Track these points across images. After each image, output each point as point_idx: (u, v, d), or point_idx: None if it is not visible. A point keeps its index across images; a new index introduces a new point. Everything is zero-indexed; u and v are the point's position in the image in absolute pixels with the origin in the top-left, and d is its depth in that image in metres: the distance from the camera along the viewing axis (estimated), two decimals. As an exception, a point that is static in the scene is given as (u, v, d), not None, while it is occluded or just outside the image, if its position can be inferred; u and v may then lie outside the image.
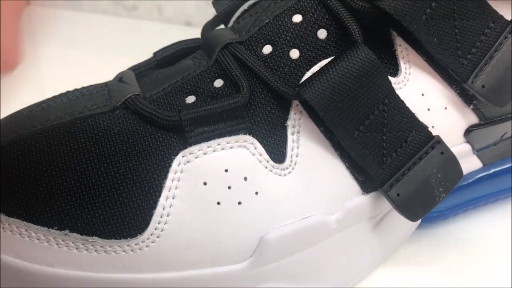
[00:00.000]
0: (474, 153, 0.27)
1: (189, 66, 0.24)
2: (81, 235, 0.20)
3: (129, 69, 0.25)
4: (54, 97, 0.24)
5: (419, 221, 0.27)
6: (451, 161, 0.23)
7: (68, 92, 0.24)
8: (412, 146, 0.23)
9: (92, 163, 0.21)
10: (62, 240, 0.20)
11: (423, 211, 0.23)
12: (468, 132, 0.25)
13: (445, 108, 0.24)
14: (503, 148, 0.28)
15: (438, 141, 0.23)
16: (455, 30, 0.22)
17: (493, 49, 0.23)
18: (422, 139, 0.23)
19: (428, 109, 0.23)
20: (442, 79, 0.23)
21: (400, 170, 0.22)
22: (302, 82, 0.21)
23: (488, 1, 0.23)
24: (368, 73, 0.21)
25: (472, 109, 0.24)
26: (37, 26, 0.49)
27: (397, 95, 0.22)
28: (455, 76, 0.23)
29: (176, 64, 0.24)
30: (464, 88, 0.23)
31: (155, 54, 0.26)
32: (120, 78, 0.24)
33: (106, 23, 0.33)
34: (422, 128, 0.23)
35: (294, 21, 0.23)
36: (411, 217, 0.23)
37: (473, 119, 0.25)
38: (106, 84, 0.24)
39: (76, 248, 0.20)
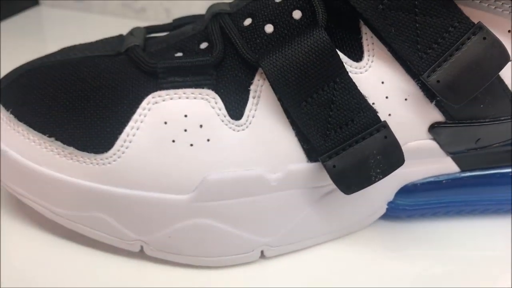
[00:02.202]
0: (447, 155, 0.27)
1: (187, 30, 0.28)
2: (62, 143, 0.25)
3: (147, 27, 0.30)
4: (85, 43, 0.29)
5: (381, 210, 0.28)
6: (393, 146, 0.24)
7: (96, 41, 0.29)
8: (357, 126, 0.24)
9: (85, 91, 0.26)
10: (49, 145, 0.25)
11: (356, 187, 0.24)
12: (432, 128, 0.26)
13: (405, 99, 0.25)
14: (485, 157, 0.28)
15: (384, 125, 0.24)
16: (416, 24, 0.23)
17: (454, 48, 0.23)
18: (368, 121, 0.24)
19: (386, 97, 0.25)
20: (404, 71, 0.25)
21: (341, 145, 0.24)
22: (262, 52, 0.24)
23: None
24: (318, 52, 0.23)
25: (436, 105, 0.25)
26: (47, 26, 0.53)
27: (349, 77, 0.24)
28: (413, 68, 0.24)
29: (181, 28, 0.29)
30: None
31: (174, 20, 0.30)
32: (131, 32, 0.28)
33: (115, 25, 0.37)
34: (370, 111, 0.24)
35: (276, 1, 0.26)
36: (344, 189, 0.24)
37: (438, 116, 0.26)
38: (121, 35, 0.29)
39: (58, 154, 0.25)
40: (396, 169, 0.25)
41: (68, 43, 0.30)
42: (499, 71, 0.23)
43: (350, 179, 0.24)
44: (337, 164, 0.24)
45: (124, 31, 0.30)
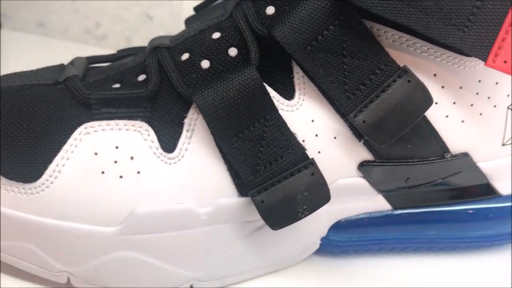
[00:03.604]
0: (379, 193, 0.28)
1: (127, 62, 0.28)
2: (-9, 172, 0.25)
3: (88, 57, 0.30)
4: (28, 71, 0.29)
5: (315, 245, 0.29)
6: (320, 183, 0.25)
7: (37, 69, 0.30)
8: (286, 162, 0.25)
9: (19, 119, 0.26)
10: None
11: (283, 223, 0.25)
12: (362, 166, 0.26)
13: (334, 137, 0.26)
14: (416, 196, 0.28)
15: (311, 163, 0.25)
16: (343, 66, 0.24)
17: (380, 89, 0.24)
18: (296, 158, 0.25)
19: (316, 135, 0.25)
20: (334, 110, 0.25)
21: (270, 181, 0.25)
22: (195, 87, 0.25)
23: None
24: (249, 90, 0.24)
25: (364, 144, 0.26)
26: (8, 50, 0.53)
27: (279, 114, 0.25)
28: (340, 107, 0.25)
29: (122, 59, 0.29)
30: (355, 123, 0.25)
31: (118, 51, 0.31)
32: (72, 61, 0.29)
33: (76, 51, 0.38)
34: (299, 149, 0.25)
35: (213, 37, 0.26)
36: (272, 224, 0.25)
37: (366, 155, 0.26)
38: (62, 64, 0.29)
39: (-13, 182, 0.25)
40: (321, 206, 0.25)
41: (28, 67, 0.29)
42: (423, 114, 0.24)
43: (278, 215, 0.25)
44: (265, 199, 0.24)
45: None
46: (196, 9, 0.30)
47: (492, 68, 0.23)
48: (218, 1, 0.29)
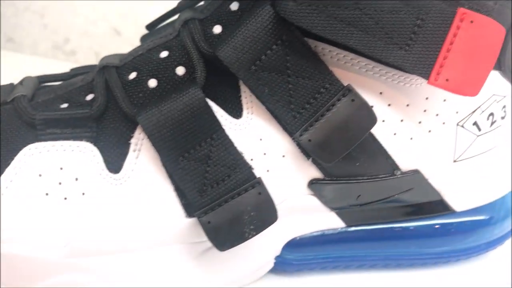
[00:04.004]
0: (331, 210, 0.28)
1: (77, 81, 0.28)
2: None
3: (39, 76, 0.29)
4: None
5: (269, 264, 0.28)
6: (268, 203, 0.24)
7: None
8: (233, 182, 0.24)
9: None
10: None
11: (230, 243, 0.24)
12: (311, 184, 0.26)
13: (283, 156, 0.25)
14: (369, 213, 0.28)
15: (258, 182, 0.24)
16: (288, 85, 0.24)
17: (325, 108, 0.24)
18: (244, 178, 0.24)
19: (265, 154, 0.25)
20: (282, 129, 0.25)
21: (217, 201, 0.24)
22: (140, 107, 0.25)
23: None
24: (194, 109, 0.24)
25: (313, 162, 0.26)
26: None
27: (225, 134, 0.24)
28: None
29: (72, 79, 0.29)
30: (303, 141, 0.25)
31: (71, 70, 0.30)
32: (21, 81, 0.28)
33: (45, 66, 0.37)
34: (246, 168, 0.25)
35: (160, 56, 0.26)
36: (218, 245, 0.24)
37: (316, 173, 0.26)
38: (12, 84, 0.29)
39: None
40: (268, 226, 0.25)
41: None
42: (367, 132, 0.24)
43: (224, 236, 0.24)
44: (212, 220, 0.24)
45: (54, 72, 0.29)
46: (148, 27, 0.30)
47: (435, 86, 0.23)
48: (171, 19, 0.29)
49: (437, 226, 0.29)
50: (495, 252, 0.28)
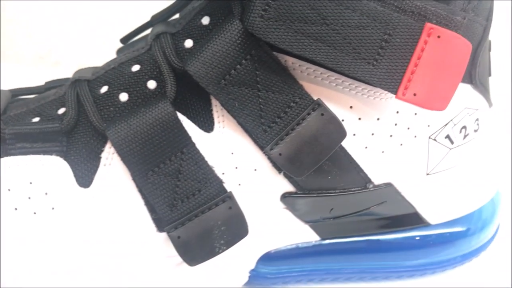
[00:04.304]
0: (305, 223, 0.28)
1: (49, 94, 0.28)
2: None
3: (12, 90, 0.29)
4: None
5: (243, 278, 0.28)
6: (238, 217, 0.24)
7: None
8: (204, 196, 0.24)
9: None
10: None
11: (200, 258, 0.24)
12: (284, 197, 0.26)
13: (255, 170, 0.25)
14: (343, 226, 0.28)
15: (229, 196, 0.24)
16: (259, 99, 0.24)
17: (295, 122, 0.24)
18: (214, 192, 0.24)
19: (236, 168, 0.25)
20: (253, 142, 0.25)
21: (187, 215, 0.24)
22: (110, 121, 0.25)
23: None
24: (163, 123, 0.24)
25: (284, 176, 0.26)
26: None
27: (196, 148, 0.24)
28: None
29: (46, 92, 0.29)
30: (274, 155, 0.25)
31: (46, 83, 0.30)
32: (-7, 95, 0.28)
33: (29, 76, 0.37)
34: (217, 182, 0.24)
35: (132, 70, 0.26)
36: (189, 260, 0.24)
37: (288, 186, 0.26)
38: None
39: None
40: (239, 241, 0.25)
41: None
42: (337, 146, 0.24)
43: (194, 250, 0.24)
44: (181, 235, 0.24)
45: (38, 82, 0.29)
46: (122, 40, 0.30)
47: (402, 101, 0.23)
48: (144, 34, 0.29)
49: (413, 239, 0.29)
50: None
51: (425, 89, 0.23)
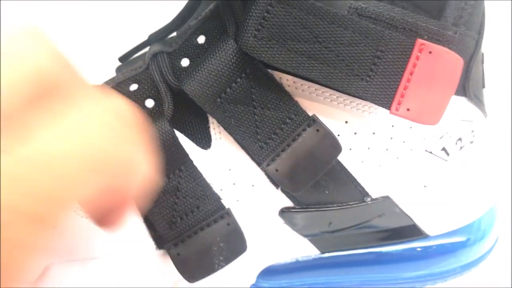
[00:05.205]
0: (304, 237, 0.28)
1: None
2: None
3: None
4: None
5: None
6: (236, 233, 0.25)
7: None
8: (202, 213, 0.25)
9: None
10: None
11: (200, 275, 0.25)
12: (282, 212, 0.26)
13: (252, 185, 0.26)
14: (342, 239, 0.28)
15: (227, 213, 0.25)
16: (254, 116, 0.24)
17: (291, 139, 0.24)
18: (213, 208, 0.25)
19: (234, 184, 0.26)
20: (250, 159, 0.26)
21: (186, 232, 0.25)
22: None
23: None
24: (161, 141, 0.24)
25: (282, 191, 0.26)
26: None
27: (193, 165, 0.25)
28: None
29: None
30: (271, 171, 0.25)
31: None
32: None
33: None
34: (215, 199, 0.25)
35: (130, 89, 0.27)
36: (188, 277, 0.25)
37: (286, 201, 0.26)
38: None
39: None
40: (238, 257, 0.25)
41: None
42: (332, 161, 0.24)
43: (194, 267, 0.25)
44: (181, 252, 0.24)
45: None
46: (120, 59, 0.30)
47: (396, 116, 0.24)
48: (142, 52, 0.30)
49: (414, 250, 0.29)
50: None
51: (418, 104, 0.23)
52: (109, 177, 0.14)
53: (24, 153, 0.13)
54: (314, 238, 0.28)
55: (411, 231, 0.29)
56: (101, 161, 0.14)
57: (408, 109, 0.23)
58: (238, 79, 0.24)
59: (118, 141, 0.14)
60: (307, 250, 0.28)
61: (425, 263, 0.30)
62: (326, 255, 0.29)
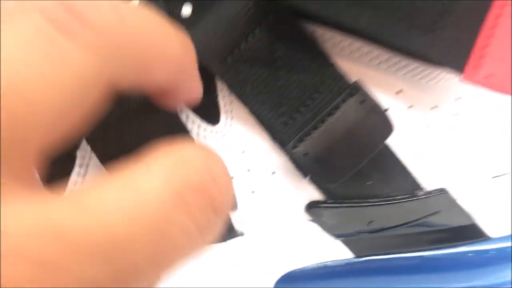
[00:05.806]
0: (336, 238, 0.22)
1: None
2: None
3: None
4: None
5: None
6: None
7: None
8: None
9: None
10: None
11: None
12: (310, 208, 0.21)
13: (273, 173, 0.20)
14: (382, 241, 0.23)
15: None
16: (277, 82, 0.18)
17: (326, 112, 0.18)
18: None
19: (248, 170, 0.20)
20: (271, 139, 0.20)
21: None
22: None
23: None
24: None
25: (311, 180, 0.20)
26: None
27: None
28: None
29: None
30: (298, 154, 0.19)
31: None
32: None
33: None
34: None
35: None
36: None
37: (314, 194, 0.20)
38: None
39: None
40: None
41: None
42: (381, 144, 0.19)
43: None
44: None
45: None
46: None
47: (472, 84, 0.18)
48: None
49: (465, 255, 0.24)
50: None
51: (503, 69, 0.17)
52: None
53: None
54: (348, 239, 0.22)
55: (468, 233, 0.23)
56: None
57: (489, 75, 0.17)
58: (257, 30, 0.18)
59: None
60: (338, 253, 0.23)
61: (482, 272, 0.24)
62: (362, 259, 0.23)
